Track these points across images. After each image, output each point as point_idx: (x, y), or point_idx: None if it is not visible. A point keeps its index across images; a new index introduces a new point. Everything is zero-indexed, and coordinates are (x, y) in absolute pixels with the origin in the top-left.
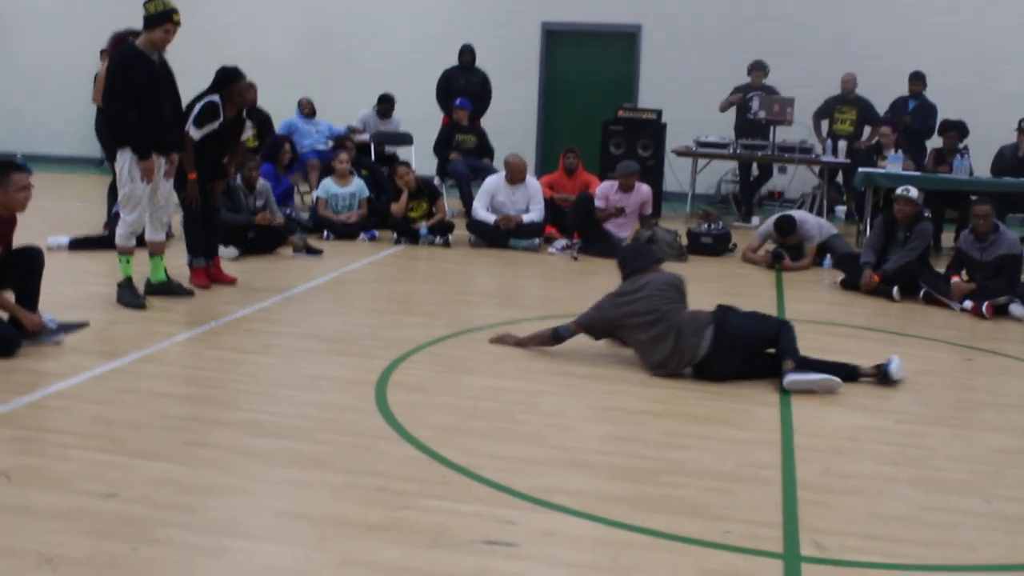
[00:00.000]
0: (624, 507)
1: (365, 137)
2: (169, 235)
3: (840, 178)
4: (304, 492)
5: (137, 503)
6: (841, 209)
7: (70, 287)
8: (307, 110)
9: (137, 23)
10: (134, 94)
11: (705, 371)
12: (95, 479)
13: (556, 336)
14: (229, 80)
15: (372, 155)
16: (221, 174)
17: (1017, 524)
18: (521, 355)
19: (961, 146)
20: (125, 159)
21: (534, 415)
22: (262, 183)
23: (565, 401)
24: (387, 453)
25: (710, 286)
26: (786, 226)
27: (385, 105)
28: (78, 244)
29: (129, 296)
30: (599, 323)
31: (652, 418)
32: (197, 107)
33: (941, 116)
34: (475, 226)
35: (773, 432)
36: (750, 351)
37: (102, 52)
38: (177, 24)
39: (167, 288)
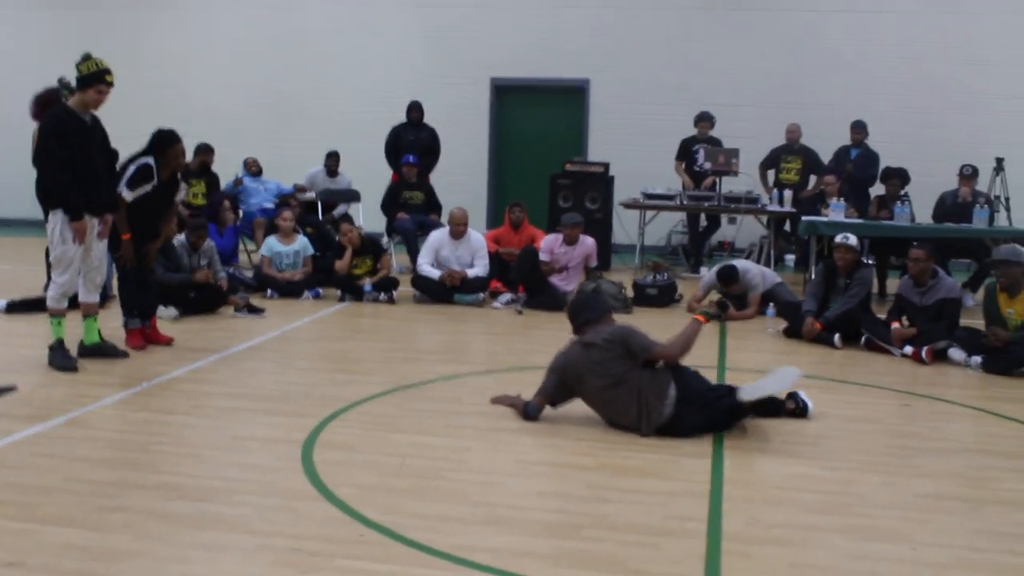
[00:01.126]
0: (542, 563)
1: (311, 195)
2: (110, 296)
3: (788, 227)
4: (214, 556)
5: (41, 572)
6: (790, 258)
7: (3, 350)
8: (253, 169)
9: None
10: (67, 155)
11: (672, 429)
12: (0, 547)
13: (526, 413)
14: (165, 144)
15: (319, 213)
16: (155, 235)
17: (941, 571)
18: (452, 411)
19: (902, 193)
20: (56, 220)
21: (460, 472)
22: (207, 243)
23: (493, 457)
24: (305, 513)
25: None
26: (729, 276)
27: (331, 161)
28: (16, 307)
29: (60, 359)
30: (558, 386)
31: (580, 472)
32: (131, 168)
33: (885, 163)
34: (420, 282)
35: (703, 483)
36: (712, 404)
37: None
38: (110, 85)
39: (101, 350)
